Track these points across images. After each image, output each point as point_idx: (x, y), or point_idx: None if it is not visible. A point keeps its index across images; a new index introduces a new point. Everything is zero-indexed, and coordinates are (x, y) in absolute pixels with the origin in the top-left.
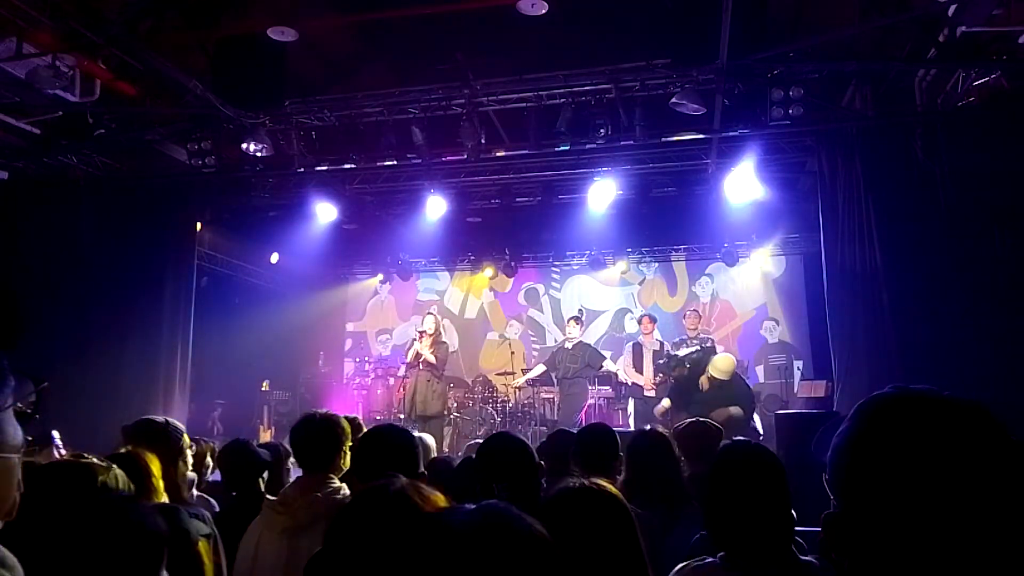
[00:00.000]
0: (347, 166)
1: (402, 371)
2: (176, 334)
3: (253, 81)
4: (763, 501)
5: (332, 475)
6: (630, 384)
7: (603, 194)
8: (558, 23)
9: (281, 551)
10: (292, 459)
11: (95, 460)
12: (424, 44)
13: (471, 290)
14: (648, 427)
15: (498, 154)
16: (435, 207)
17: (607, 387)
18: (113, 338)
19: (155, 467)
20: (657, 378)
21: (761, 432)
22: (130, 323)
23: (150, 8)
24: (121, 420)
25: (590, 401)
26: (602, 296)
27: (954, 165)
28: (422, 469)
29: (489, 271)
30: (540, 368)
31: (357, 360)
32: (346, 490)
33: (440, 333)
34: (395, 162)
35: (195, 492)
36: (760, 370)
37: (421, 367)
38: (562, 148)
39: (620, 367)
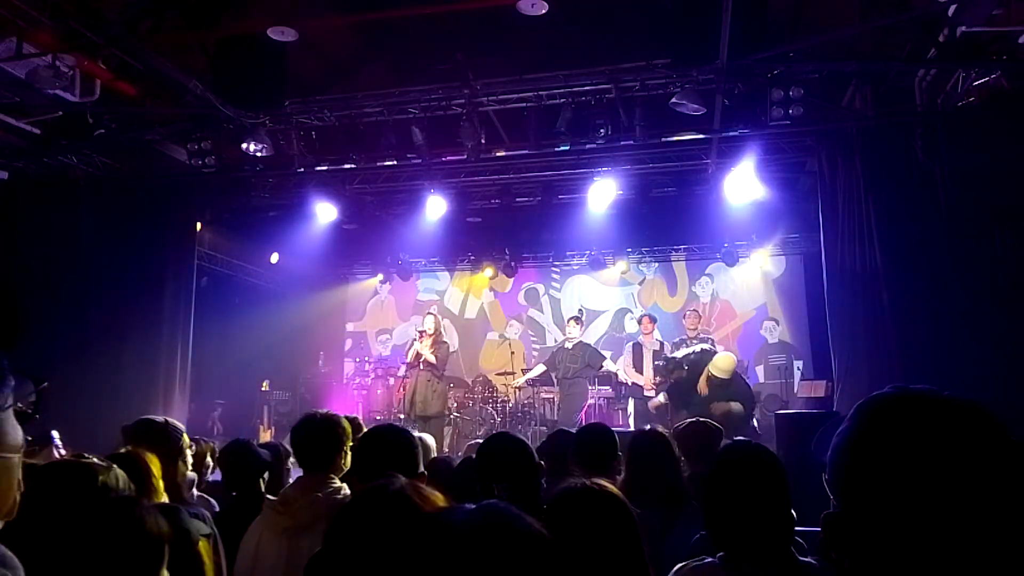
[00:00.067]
0: (347, 166)
1: (402, 371)
2: (176, 334)
3: (253, 81)
4: (763, 501)
5: (333, 475)
6: (630, 384)
7: (603, 194)
8: (558, 23)
9: (281, 551)
10: (292, 459)
11: (95, 460)
12: (424, 44)
13: (471, 290)
14: (648, 427)
15: (498, 154)
16: (435, 207)
17: (607, 387)
18: (113, 338)
19: (155, 467)
20: (656, 379)
21: (760, 432)
22: (130, 323)
23: (150, 8)
24: (121, 420)
25: (590, 401)
26: (602, 296)
27: (954, 165)
28: (422, 469)
29: (489, 271)
30: (540, 368)
31: (357, 360)
32: (347, 490)
33: (441, 333)
34: (395, 162)
35: (195, 492)
36: (760, 370)
37: (421, 367)
38: (562, 148)
39: (620, 367)
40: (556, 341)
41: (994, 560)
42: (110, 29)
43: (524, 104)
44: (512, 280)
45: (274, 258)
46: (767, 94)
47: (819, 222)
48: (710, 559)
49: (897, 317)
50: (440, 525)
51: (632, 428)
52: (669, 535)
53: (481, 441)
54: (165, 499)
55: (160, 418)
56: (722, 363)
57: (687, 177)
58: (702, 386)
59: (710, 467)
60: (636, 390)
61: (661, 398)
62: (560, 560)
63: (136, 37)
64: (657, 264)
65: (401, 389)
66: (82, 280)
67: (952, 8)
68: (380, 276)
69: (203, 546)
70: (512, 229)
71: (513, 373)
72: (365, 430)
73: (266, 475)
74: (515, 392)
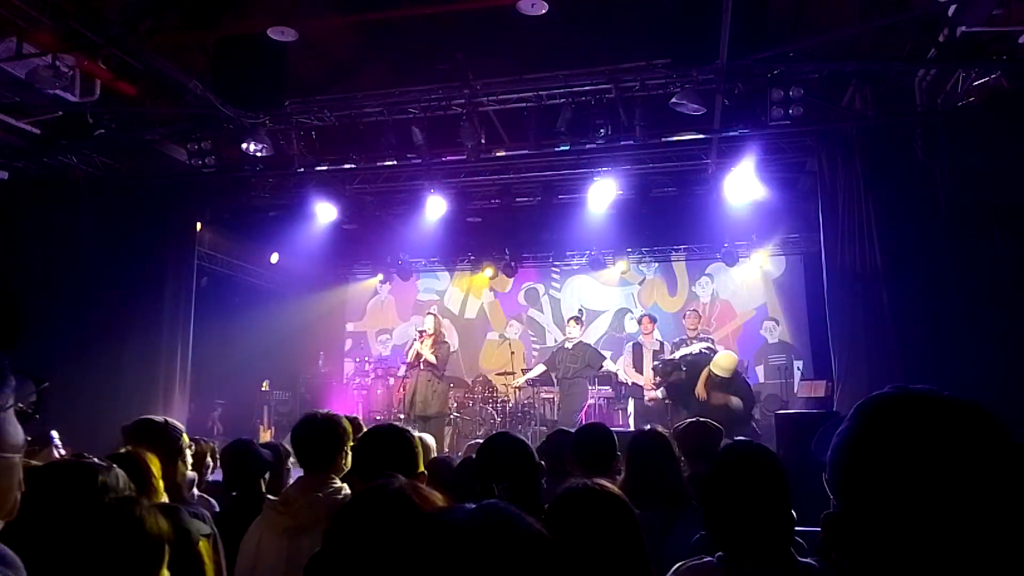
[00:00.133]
0: (347, 166)
1: (402, 371)
2: (176, 334)
3: (253, 81)
4: (763, 501)
5: (333, 475)
6: (630, 384)
7: (603, 194)
8: (558, 23)
9: (282, 551)
10: (292, 459)
11: (95, 460)
12: (424, 44)
13: (471, 290)
14: (648, 427)
15: (498, 154)
16: (435, 207)
17: (607, 387)
18: (113, 338)
19: (155, 467)
20: (656, 380)
21: (760, 432)
22: (130, 323)
23: (150, 8)
24: (121, 420)
25: (590, 401)
26: (602, 296)
27: (954, 165)
28: (422, 469)
29: (489, 271)
30: (540, 368)
31: (357, 360)
32: (347, 490)
33: (442, 333)
34: (395, 162)
35: (196, 492)
36: (760, 370)
37: (422, 367)
38: (562, 148)
39: (620, 367)
40: (556, 341)
41: (994, 560)
42: (110, 29)
43: (524, 104)
44: (512, 280)
45: (274, 258)
46: (767, 94)
47: (819, 222)
48: (708, 558)
49: (897, 317)
50: (440, 525)
51: (632, 428)
52: (669, 535)
53: (481, 441)
54: (165, 499)
55: (160, 418)
56: (723, 362)
57: (687, 177)
58: (700, 391)
59: (710, 467)
60: (636, 390)
61: (658, 393)
62: (560, 560)
63: (136, 37)
64: (657, 264)
65: (401, 389)
66: (82, 280)
67: (952, 8)
68: (380, 276)
69: (203, 546)
70: (512, 229)
71: (513, 373)
72: (365, 430)
73: (267, 475)
74: (515, 392)
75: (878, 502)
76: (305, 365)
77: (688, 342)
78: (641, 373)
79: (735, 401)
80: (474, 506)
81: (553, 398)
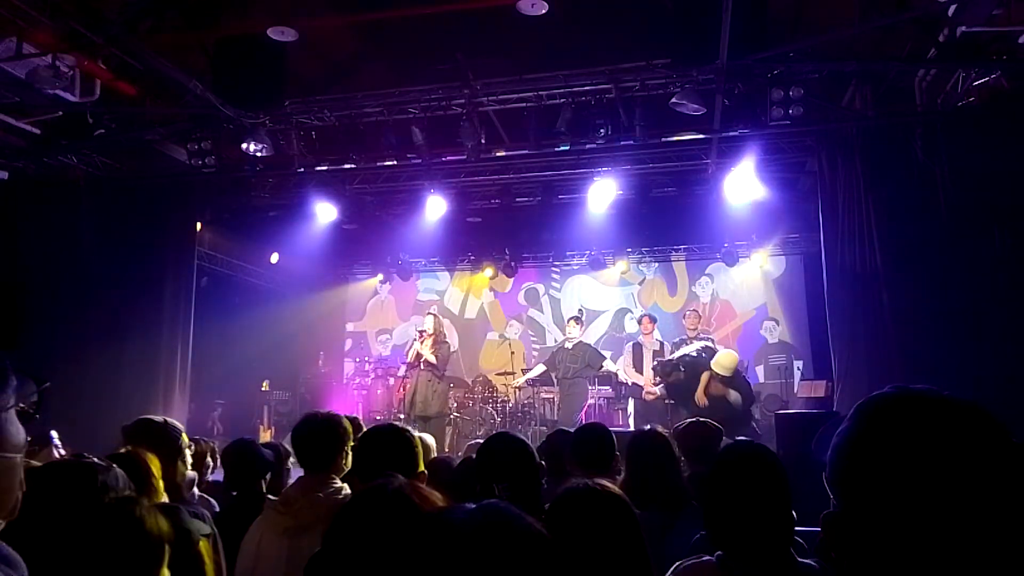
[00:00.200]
0: (347, 166)
1: (402, 371)
2: (176, 334)
3: (253, 81)
4: (763, 501)
5: (334, 475)
6: (630, 384)
7: (603, 194)
8: (558, 23)
9: (282, 551)
10: (292, 459)
11: (95, 460)
12: (424, 44)
13: (471, 290)
14: (648, 427)
15: (498, 154)
16: (435, 207)
17: (607, 387)
18: (113, 338)
19: (155, 467)
20: (656, 380)
21: (760, 432)
22: (130, 323)
23: (150, 8)
24: (121, 420)
25: (590, 401)
26: (602, 296)
27: (954, 165)
28: (422, 469)
29: (489, 271)
30: (540, 368)
31: (357, 360)
32: (348, 490)
33: (443, 334)
34: (395, 162)
35: (196, 491)
36: (760, 370)
37: (422, 367)
38: (562, 148)
39: (620, 367)
40: (556, 341)
41: (993, 560)
42: (110, 29)
43: (524, 104)
44: (512, 280)
45: (274, 258)
46: (767, 94)
47: (819, 222)
48: (707, 557)
49: (897, 317)
50: (440, 525)
51: (632, 428)
52: (669, 535)
53: (481, 441)
54: (165, 499)
55: (159, 418)
56: (724, 360)
57: (687, 177)
58: (700, 398)
59: (710, 467)
60: (636, 390)
61: (658, 390)
62: (560, 560)
63: (136, 37)
64: (657, 264)
65: (401, 389)
66: (82, 280)
67: (952, 8)
68: (380, 276)
69: (204, 546)
70: (512, 229)
71: (513, 373)
72: (365, 430)
73: (268, 475)
74: (515, 392)
75: (878, 502)
76: (305, 365)
77: (688, 342)
78: (641, 373)
79: (733, 395)
80: (474, 506)
81: (553, 398)
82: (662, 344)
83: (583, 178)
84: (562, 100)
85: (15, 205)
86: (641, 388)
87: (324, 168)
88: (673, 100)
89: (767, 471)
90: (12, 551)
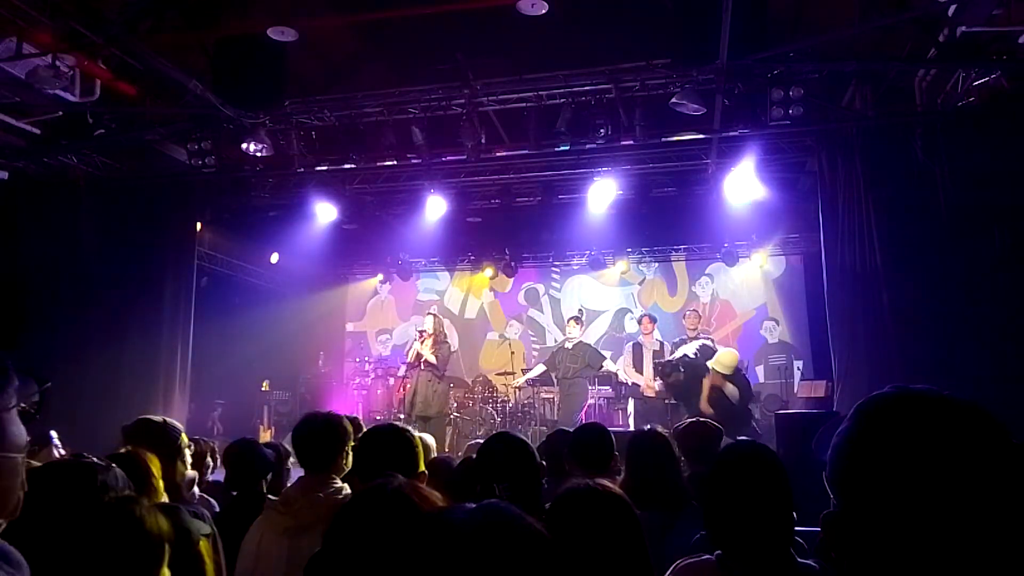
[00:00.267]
0: (347, 166)
1: (402, 371)
2: (176, 334)
3: (253, 81)
4: (763, 501)
5: (334, 475)
6: (630, 384)
7: (603, 194)
8: (558, 23)
9: (283, 551)
10: (292, 459)
11: (95, 460)
12: (424, 44)
13: (471, 290)
14: (648, 427)
15: (498, 154)
16: (435, 207)
17: (607, 387)
18: (113, 338)
19: (155, 467)
20: (656, 380)
21: (760, 432)
22: (130, 323)
23: (150, 8)
24: (121, 420)
25: (590, 401)
26: (602, 296)
27: (954, 165)
28: (422, 469)
29: (489, 271)
30: (540, 368)
31: (357, 360)
32: (348, 490)
33: (443, 334)
34: (395, 162)
35: (197, 491)
36: (760, 370)
37: (422, 367)
38: (562, 148)
39: (620, 367)
40: (556, 341)
41: (993, 560)
42: (110, 29)
43: (524, 104)
44: (512, 280)
45: (274, 258)
46: (767, 94)
47: (819, 222)
48: (707, 556)
49: (897, 317)
50: (440, 525)
51: (632, 428)
52: (669, 535)
53: (481, 441)
54: (165, 499)
55: (158, 418)
56: (725, 359)
57: (687, 177)
58: (704, 407)
59: (710, 467)
60: (636, 390)
61: (657, 385)
62: (560, 560)
63: (136, 37)
64: (657, 264)
65: (401, 389)
66: (82, 280)
67: (952, 8)
68: (380, 276)
69: (204, 546)
70: (512, 229)
71: (513, 373)
72: (365, 430)
73: (269, 475)
74: (515, 392)
75: (878, 502)
76: (305, 365)
77: (687, 342)
78: (641, 373)
79: (731, 388)
80: (474, 506)
81: (553, 398)
82: (662, 344)
83: (583, 178)
84: (562, 100)
85: (15, 205)
86: (641, 388)
87: (324, 168)
88: (673, 100)
89: (767, 471)
90: (15, 551)
